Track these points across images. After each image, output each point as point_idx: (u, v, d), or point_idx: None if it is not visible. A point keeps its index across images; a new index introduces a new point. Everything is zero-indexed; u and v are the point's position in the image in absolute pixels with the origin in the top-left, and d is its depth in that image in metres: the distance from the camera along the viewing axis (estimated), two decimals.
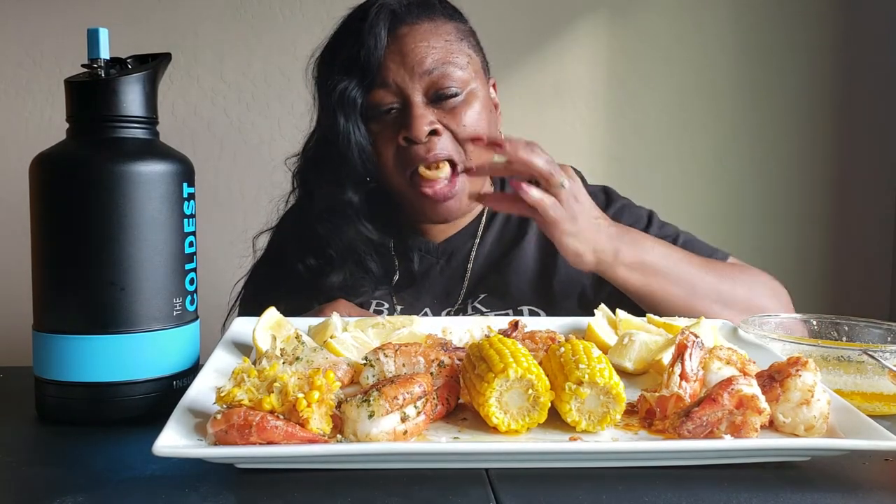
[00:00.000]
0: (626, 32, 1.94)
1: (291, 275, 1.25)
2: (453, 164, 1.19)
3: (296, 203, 1.33)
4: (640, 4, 1.93)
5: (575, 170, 1.27)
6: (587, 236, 1.04)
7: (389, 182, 1.23)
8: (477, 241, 1.29)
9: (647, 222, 1.27)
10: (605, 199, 1.30)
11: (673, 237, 1.23)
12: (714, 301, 1.09)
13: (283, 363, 0.73)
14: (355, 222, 1.23)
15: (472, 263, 1.28)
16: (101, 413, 0.77)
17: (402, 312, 1.21)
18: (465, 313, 1.21)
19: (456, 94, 1.18)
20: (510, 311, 1.20)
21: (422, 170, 1.18)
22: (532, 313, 1.19)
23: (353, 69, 1.19)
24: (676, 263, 1.09)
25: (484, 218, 1.32)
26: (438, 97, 1.18)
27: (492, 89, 1.30)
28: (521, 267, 1.25)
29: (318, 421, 0.65)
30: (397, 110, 1.19)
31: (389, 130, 1.19)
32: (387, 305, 1.24)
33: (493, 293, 1.23)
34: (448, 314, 1.22)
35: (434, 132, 1.16)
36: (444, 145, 1.17)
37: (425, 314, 1.22)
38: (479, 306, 1.22)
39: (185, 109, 1.86)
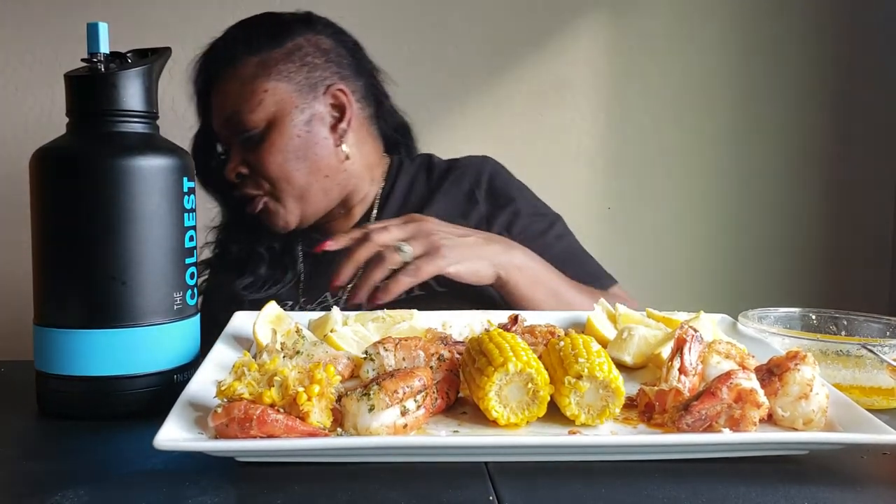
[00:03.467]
0: (626, 31, 1.94)
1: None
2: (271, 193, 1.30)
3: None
4: (640, 4, 1.93)
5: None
6: (470, 254, 1.10)
7: None
8: (374, 213, 1.38)
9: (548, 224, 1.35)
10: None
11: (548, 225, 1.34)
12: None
13: (284, 357, 0.73)
14: (251, 237, 1.35)
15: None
16: (101, 407, 0.77)
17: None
18: None
19: (252, 134, 1.27)
20: None
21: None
22: None
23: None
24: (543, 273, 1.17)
25: (377, 202, 1.40)
26: (242, 139, 1.28)
27: (331, 98, 1.32)
28: None
29: (319, 414, 0.65)
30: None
31: None
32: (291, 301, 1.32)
33: None
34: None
35: (240, 175, 1.29)
36: (252, 186, 1.29)
37: None
38: None
39: (184, 104, 1.86)
